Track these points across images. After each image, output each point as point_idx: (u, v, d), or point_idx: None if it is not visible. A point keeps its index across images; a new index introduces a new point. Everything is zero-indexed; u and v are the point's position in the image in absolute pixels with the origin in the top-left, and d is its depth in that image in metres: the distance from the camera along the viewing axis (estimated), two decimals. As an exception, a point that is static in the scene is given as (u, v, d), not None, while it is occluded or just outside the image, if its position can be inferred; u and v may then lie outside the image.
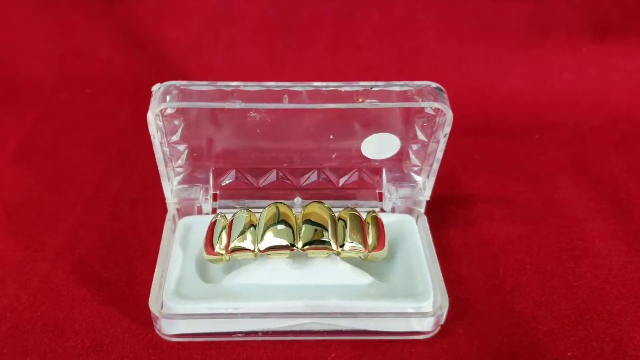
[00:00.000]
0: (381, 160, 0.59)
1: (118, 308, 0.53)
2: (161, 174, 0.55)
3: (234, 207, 0.58)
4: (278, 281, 0.52)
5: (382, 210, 0.60)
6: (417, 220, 0.60)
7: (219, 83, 0.50)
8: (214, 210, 0.59)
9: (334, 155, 0.58)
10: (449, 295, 0.51)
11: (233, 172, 0.59)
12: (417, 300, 0.51)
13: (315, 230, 0.51)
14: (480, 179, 0.71)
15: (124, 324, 0.52)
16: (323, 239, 0.50)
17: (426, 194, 0.59)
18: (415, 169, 0.59)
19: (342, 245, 0.51)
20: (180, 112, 0.54)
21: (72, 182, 0.69)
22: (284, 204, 0.52)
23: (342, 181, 0.60)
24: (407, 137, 0.57)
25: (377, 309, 0.50)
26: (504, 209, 0.67)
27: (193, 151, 0.57)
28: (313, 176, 0.60)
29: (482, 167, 0.73)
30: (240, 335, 0.51)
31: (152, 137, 0.51)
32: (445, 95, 0.51)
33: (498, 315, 0.54)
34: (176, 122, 0.54)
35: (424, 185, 0.58)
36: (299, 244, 0.50)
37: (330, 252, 0.51)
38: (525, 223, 0.65)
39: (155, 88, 0.50)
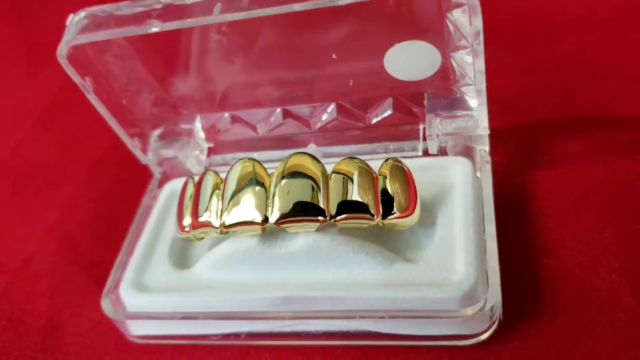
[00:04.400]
0: (421, 82, 0.41)
1: (92, 297, 0.45)
2: (117, 131, 0.43)
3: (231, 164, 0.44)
4: (253, 267, 0.38)
5: (426, 154, 0.42)
6: (477, 165, 0.41)
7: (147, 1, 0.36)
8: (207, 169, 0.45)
9: (351, 82, 0.42)
10: (524, 278, 0.36)
11: (228, 117, 0.45)
12: (451, 288, 0.34)
13: (297, 192, 0.36)
14: (601, 91, 0.49)
15: (95, 317, 0.44)
16: (306, 203, 0.35)
17: (482, 125, 0.39)
18: (470, 89, 0.40)
19: (340, 212, 0.36)
20: (130, 43, 0.41)
21: (84, 147, 0.61)
22: (254, 160, 0.38)
23: (371, 117, 0.43)
24: (446, 44, 0.38)
25: (391, 302, 0.35)
26: (629, 135, 0.44)
27: (168, 95, 0.45)
28: (331, 112, 0.45)
29: (605, 75, 0.51)
30: (215, 338, 0.39)
31: (80, 86, 0.39)
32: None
33: (596, 307, 0.36)
34: (118, 58, 0.41)
35: (478, 112, 0.39)
36: (274, 217, 0.35)
37: (317, 223, 0.36)
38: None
39: (69, 20, 0.37)
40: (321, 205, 0.35)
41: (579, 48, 0.53)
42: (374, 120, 0.44)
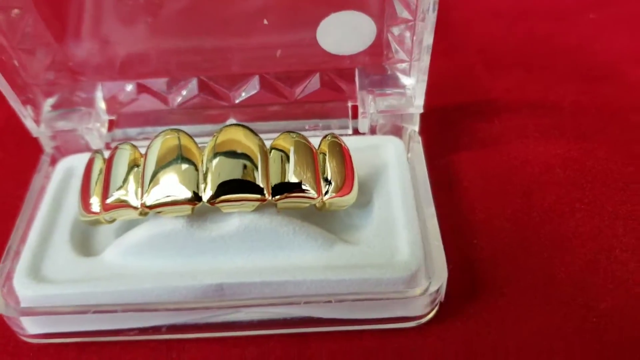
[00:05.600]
0: (354, 57, 0.39)
1: None
2: (7, 95, 0.36)
3: (136, 139, 0.39)
4: (178, 252, 0.34)
5: (357, 132, 0.40)
6: (407, 145, 0.40)
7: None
8: (107, 146, 0.41)
9: (278, 53, 0.39)
10: (457, 259, 0.35)
11: (133, 86, 0.40)
12: (395, 270, 0.33)
13: (233, 168, 0.32)
14: (509, 79, 0.52)
15: None
16: (244, 180, 0.32)
17: (417, 104, 0.38)
18: (403, 66, 0.39)
19: (279, 191, 0.33)
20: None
21: None
22: (182, 131, 0.34)
23: (297, 92, 0.41)
24: (383, 17, 0.37)
25: (336, 286, 0.33)
26: (542, 119, 0.46)
27: (67, 59, 0.38)
28: (253, 86, 0.40)
29: (514, 62, 0.54)
30: (132, 333, 0.34)
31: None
32: None
33: (528, 286, 0.36)
34: (17, 13, 0.35)
35: (414, 90, 0.38)
36: (207, 194, 0.32)
37: (256, 202, 0.32)
38: (573, 140, 0.45)
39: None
40: (259, 183, 0.32)
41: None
42: (299, 96, 0.42)
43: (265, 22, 0.37)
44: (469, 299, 0.36)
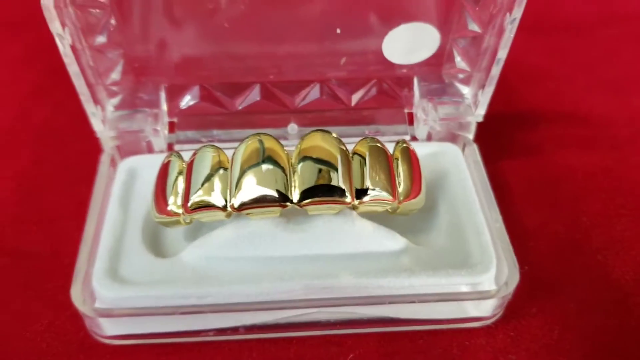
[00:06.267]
0: (411, 66, 0.40)
1: (38, 293, 0.38)
2: (81, 94, 0.36)
3: (199, 142, 0.41)
4: (265, 253, 0.35)
5: (414, 139, 0.41)
6: (463, 151, 0.42)
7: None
8: (170, 147, 0.42)
9: (343, 61, 0.40)
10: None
11: (196, 89, 0.41)
12: (472, 272, 0.35)
13: (319, 172, 0.33)
14: (541, 91, 0.54)
15: (44, 319, 0.37)
16: (332, 184, 0.33)
17: (478, 113, 0.40)
18: (462, 76, 0.41)
19: (359, 195, 0.34)
20: (108, -1, 0.35)
21: None
22: (270, 135, 0.34)
23: (355, 98, 0.42)
24: (449, 29, 0.38)
25: (413, 288, 0.34)
26: (577, 129, 0.49)
27: (133, 60, 0.39)
28: (314, 92, 0.43)
29: (543, 75, 0.56)
30: (211, 333, 0.34)
31: (55, 37, 0.33)
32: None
33: (585, 286, 0.39)
34: (98, 14, 0.35)
35: (476, 99, 0.40)
36: (295, 195, 0.33)
37: (342, 206, 0.33)
38: (607, 150, 0.48)
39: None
40: (344, 187, 0.33)
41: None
42: (357, 102, 0.43)
43: (338, 31, 0.39)
44: (530, 299, 0.37)
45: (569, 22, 0.62)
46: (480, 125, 0.43)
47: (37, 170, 0.46)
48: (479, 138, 0.43)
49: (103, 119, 0.39)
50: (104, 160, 0.41)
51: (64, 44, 0.33)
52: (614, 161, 0.46)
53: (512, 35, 0.35)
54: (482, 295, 0.34)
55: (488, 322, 0.36)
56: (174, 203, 0.35)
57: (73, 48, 0.34)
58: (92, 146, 0.44)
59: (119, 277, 0.34)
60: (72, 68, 0.35)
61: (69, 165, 0.45)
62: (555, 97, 0.52)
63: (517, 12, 0.34)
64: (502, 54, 0.36)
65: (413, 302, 0.33)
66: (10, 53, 0.59)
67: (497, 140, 0.47)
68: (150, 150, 0.42)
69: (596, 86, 0.54)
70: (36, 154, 0.47)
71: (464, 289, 0.34)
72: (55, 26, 0.32)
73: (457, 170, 0.40)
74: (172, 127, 0.42)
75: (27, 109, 0.52)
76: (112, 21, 0.37)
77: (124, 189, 0.39)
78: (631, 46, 0.59)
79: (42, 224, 0.41)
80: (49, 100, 0.52)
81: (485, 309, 0.35)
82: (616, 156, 0.47)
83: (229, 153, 0.35)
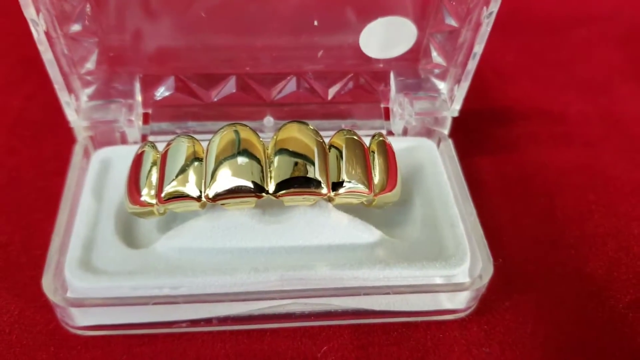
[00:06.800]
0: (388, 60, 0.41)
1: (8, 284, 0.38)
2: (55, 83, 0.36)
3: (173, 133, 0.41)
4: (239, 243, 0.35)
5: (390, 133, 0.42)
6: (438, 146, 0.42)
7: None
8: (144, 138, 0.42)
9: (320, 54, 0.41)
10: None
11: (171, 80, 0.42)
12: (446, 264, 0.35)
13: (296, 164, 0.33)
14: (517, 88, 0.55)
15: (14, 310, 0.37)
16: (308, 176, 0.33)
17: (454, 108, 0.41)
18: (438, 71, 0.41)
19: (336, 187, 0.34)
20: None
21: None
22: (246, 126, 0.34)
23: (332, 92, 0.43)
24: (426, 23, 0.39)
25: (388, 279, 0.35)
26: (552, 127, 0.50)
27: (108, 49, 0.39)
28: (290, 85, 0.43)
29: (518, 72, 0.57)
30: (184, 325, 0.34)
31: (30, 24, 0.32)
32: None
33: (559, 280, 0.40)
34: (73, 1, 0.35)
35: (452, 94, 0.40)
36: (271, 187, 0.33)
37: (317, 197, 0.34)
38: (581, 147, 0.49)
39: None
40: (320, 179, 0.34)
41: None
42: (334, 96, 0.43)
43: (316, 23, 0.39)
44: (504, 292, 0.38)
45: (545, 21, 0.63)
46: (455, 121, 0.43)
47: (10, 160, 0.45)
48: (454, 133, 0.44)
49: (77, 108, 0.39)
50: (77, 150, 0.40)
51: (38, 30, 0.33)
52: (587, 158, 0.47)
53: (489, 29, 0.36)
54: (456, 288, 0.34)
55: (462, 314, 0.36)
56: (147, 194, 0.34)
57: (47, 35, 0.33)
58: (66, 137, 0.43)
59: (91, 267, 0.34)
60: (47, 56, 0.34)
61: (42, 156, 0.45)
62: (531, 94, 0.53)
63: (494, 6, 0.35)
64: (479, 48, 0.37)
65: (387, 293, 0.33)
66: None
67: (472, 135, 0.48)
68: (124, 141, 0.41)
69: (571, 85, 0.55)
70: (9, 144, 0.47)
71: (438, 281, 0.35)
72: (29, 12, 0.32)
73: (432, 165, 0.41)
74: (146, 118, 0.42)
75: (0, 100, 0.51)
76: (88, 9, 0.37)
77: (97, 180, 0.39)
78: (605, 46, 0.61)
79: (13, 215, 0.41)
80: (22, 91, 0.52)
81: (459, 302, 0.36)
82: (589, 153, 0.48)
83: (204, 145, 0.35)
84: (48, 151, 0.45)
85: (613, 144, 0.49)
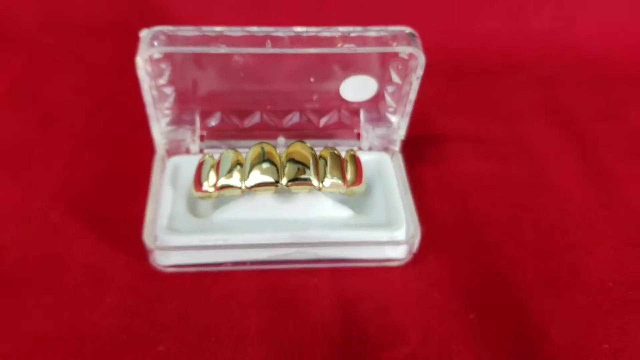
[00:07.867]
0: (359, 102, 0.61)
1: (114, 243, 0.55)
2: (150, 116, 0.57)
3: (219, 148, 0.60)
4: (264, 215, 0.54)
5: (360, 149, 0.62)
6: (392, 158, 0.62)
7: (204, 28, 0.52)
8: (201, 151, 0.60)
9: (314, 97, 0.61)
10: (421, 226, 0.53)
11: (219, 114, 0.61)
12: (391, 229, 0.53)
13: (298, 168, 0.52)
14: (455, 120, 0.72)
15: (120, 258, 0.54)
16: (305, 175, 0.52)
17: (400, 133, 0.62)
18: (391, 109, 0.61)
19: (323, 181, 0.53)
20: (167, 56, 0.55)
21: (59, 125, 0.70)
22: (269, 143, 0.55)
23: (322, 122, 0.62)
24: (383, 80, 0.59)
25: (354, 238, 0.53)
26: (476, 147, 0.69)
27: (180, 94, 0.58)
28: (295, 117, 0.61)
29: (457, 108, 0.74)
30: (229, 265, 0.53)
31: (141, 81, 0.54)
32: (419, 40, 0.54)
33: (468, 244, 0.56)
34: (163, 66, 0.56)
35: (399, 125, 0.61)
36: (284, 181, 0.53)
37: (312, 187, 0.53)
38: (496, 160, 0.67)
39: (143, 34, 0.52)
40: (313, 177, 0.55)
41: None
42: (324, 125, 0.64)
43: (312, 79, 0.60)
44: (430, 251, 0.55)
45: (482, 69, 0.81)
46: (404, 142, 0.64)
47: (105, 166, 0.65)
48: (404, 150, 0.61)
49: (160, 131, 0.60)
50: (158, 158, 0.61)
51: (143, 85, 0.55)
52: (499, 169, 0.63)
53: (418, 86, 0.57)
54: (397, 243, 0.54)
55: (401, 262, 0.53)
56: (207, 185, 0.55)
57: (149, 87, 0.55)
58: (144, 150, 0.61)
59: (172, 229, 0.55)
60: (147, 99, 0.56)
61: (131, 163, 0.63)
62: (463, 124, 0.72)
63: (419, 72, 0.56)
64: (412, 96, 0.57)
65: (355, 246, 0.54)
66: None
67: (415, 152, 0.64)
68: (188, 152, 0.61)
69: (497, 117, 0.74)
70: (105, 157, 0.64)
71: (385, 239, 0.54)
72: (141, 75, 0.53)
73: (387, 171, 0.62)
74: (202, 138, 0.63)
75: (95, 121, 0.70)
76: (168, 70, 0.58)
77: (172, 177, 0.59)
78: (528, 89, 0.80)
79: (114, 200, 0.61)
80: (110, 117, 0.72)
81: (400, 253, 0.54)
82: (501, 166, 0.64)
83: (243, 155, 0.56)
84: (130, 160, 0.63)
85: (520, 159, 0.69)
